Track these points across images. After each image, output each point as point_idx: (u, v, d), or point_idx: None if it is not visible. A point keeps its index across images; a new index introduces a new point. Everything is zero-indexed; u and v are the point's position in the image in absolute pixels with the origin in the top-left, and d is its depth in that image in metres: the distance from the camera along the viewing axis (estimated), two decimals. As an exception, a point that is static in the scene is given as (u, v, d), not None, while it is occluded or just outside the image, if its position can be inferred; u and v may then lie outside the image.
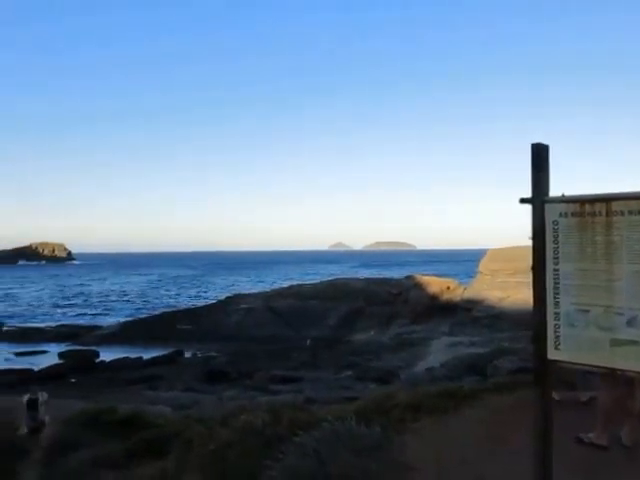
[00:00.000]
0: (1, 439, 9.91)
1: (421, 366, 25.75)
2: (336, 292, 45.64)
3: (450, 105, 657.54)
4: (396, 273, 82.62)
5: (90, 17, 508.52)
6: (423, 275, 50.92)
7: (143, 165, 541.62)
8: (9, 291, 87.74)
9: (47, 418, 10.61)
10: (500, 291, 39.73)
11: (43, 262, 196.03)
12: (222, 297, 55.64)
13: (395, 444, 4.89)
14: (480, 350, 23.01)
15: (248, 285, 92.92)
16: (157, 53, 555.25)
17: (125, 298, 77.54)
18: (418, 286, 45.18)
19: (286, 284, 67.14)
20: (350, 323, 41.66)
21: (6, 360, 35.18)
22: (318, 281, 55.65)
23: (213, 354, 35.98)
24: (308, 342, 37.68)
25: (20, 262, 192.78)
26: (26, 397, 10.69)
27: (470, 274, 56.98)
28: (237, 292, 58.90)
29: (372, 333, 39.29)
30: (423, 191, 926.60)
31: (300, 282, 61.03)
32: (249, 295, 50.79)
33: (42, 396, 10.79)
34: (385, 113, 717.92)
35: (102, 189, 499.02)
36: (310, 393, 20.30)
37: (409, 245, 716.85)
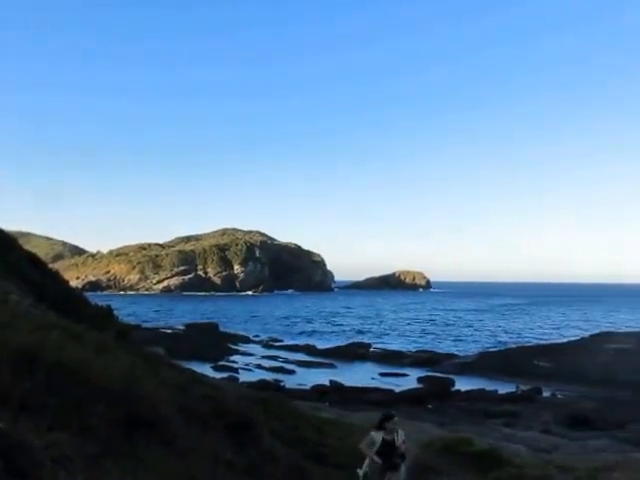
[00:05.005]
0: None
1: None
2: None
3: None
4: None
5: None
6: None
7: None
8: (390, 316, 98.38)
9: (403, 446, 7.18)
10: None
11: (399, 290, 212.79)
12: (586, 335, 50.90)
13: None
14: None
15: (604, 320, 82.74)
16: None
17: (474, 327, 76.82)
18: None
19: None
20: None
21: (372, 379, 38.94)
22: None
23: (575, 397, 32.80)
24: None
25: (384, 289, 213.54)
26: (377, 435, 7.08)
27: None
28: (605, 330, 52.97)
29: None
30: None
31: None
32: (619, 334, 45.13)
33: (400, 436, 7.15)
34: None
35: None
36: None
37: None
